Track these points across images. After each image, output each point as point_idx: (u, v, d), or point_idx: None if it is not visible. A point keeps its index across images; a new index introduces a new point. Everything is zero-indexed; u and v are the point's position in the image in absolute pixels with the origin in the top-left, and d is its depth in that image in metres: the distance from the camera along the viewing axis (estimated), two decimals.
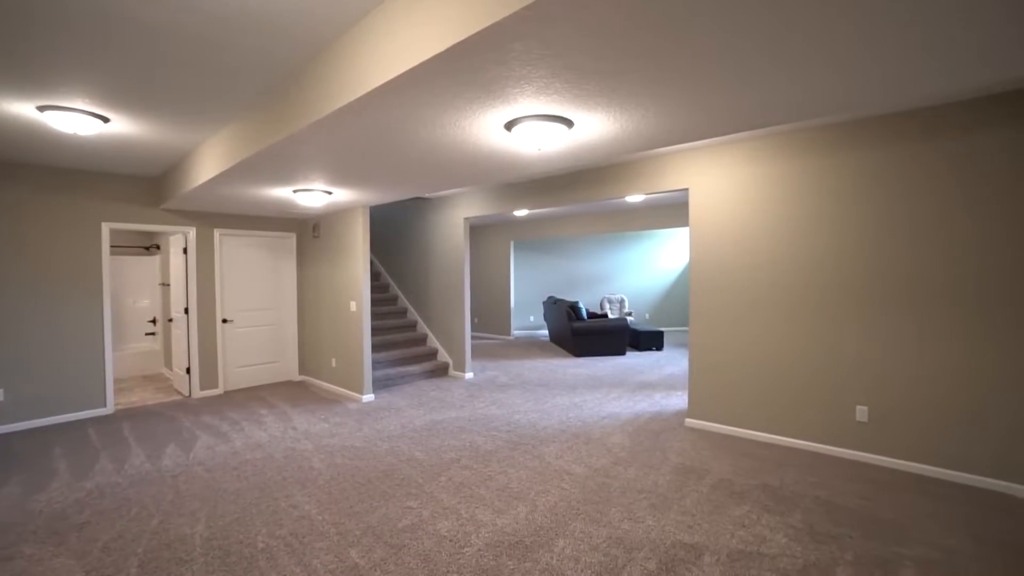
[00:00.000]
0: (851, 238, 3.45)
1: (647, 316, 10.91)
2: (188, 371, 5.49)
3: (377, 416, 4.68)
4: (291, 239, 6.37)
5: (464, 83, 1.96)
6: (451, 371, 6.54)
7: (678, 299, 10.93)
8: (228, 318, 5.78)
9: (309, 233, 6.21)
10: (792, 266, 3.71)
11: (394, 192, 4.51)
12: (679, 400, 5.10)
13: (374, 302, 7.15)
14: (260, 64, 2.46)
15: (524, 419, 4.51)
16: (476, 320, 10.70)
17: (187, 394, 5.54)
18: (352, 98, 2.09)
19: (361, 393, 5.29)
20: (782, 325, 3.75)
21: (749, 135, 3.79)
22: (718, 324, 4.09)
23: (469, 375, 6.36)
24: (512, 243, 10.01)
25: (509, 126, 2.46)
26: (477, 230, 10.67)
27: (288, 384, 6.13)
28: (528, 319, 10.79)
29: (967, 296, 3.05)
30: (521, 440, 3.95)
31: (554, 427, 4.27)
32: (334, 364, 5.75)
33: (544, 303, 9.42)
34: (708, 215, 4.13)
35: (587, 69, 1.85)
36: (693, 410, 4.25)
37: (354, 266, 5.38)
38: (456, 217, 6.42)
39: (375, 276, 7.78)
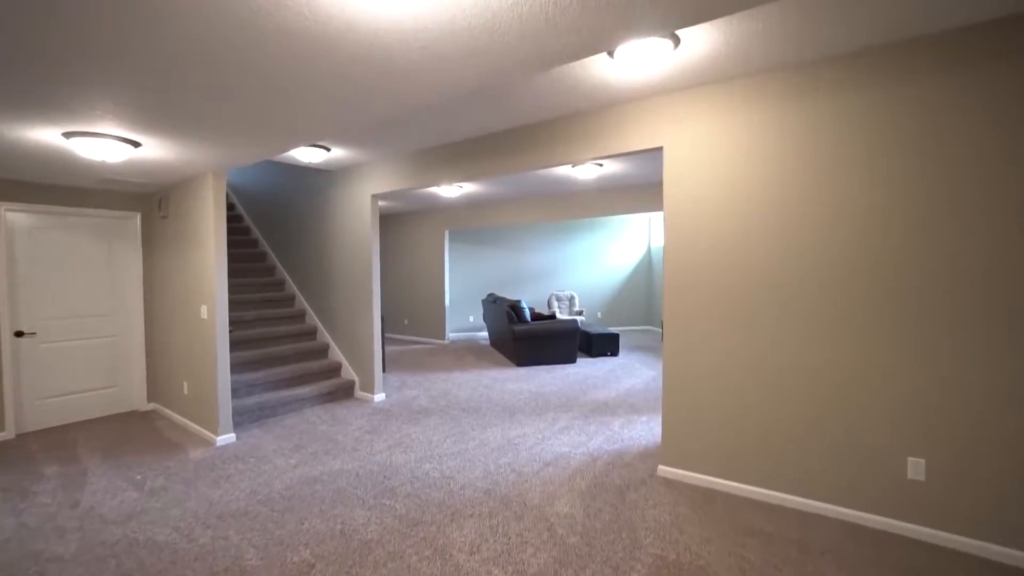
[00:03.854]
0: (894, 215, 2.36)
1: (599, 315, 9.86)
2: None
3: (223, 472, 3.22)
4: (134, 220, 4.72)
5: None
6: (357, 392, 5.13)
7: (634, 295, 9.94)
8: (26, 330, 4.09)
9: (157, 212, 4.60)
10: (808, 253, 2.59)
11: (236, 143, 3.04)
12: (645, 431, 3.95)
13: (265, 303, 5.59)
14: None
15: (436, 472, 3.20)
16: (406, 322, 9.26)
17: None
18: None
19: (215, 432, 3.79)
20: (794, 337, 2.64)
21: (743, 71, 2.64)
22: (703, 334, 2.94)
23: (379, 397, 4.97)
24: (447, 232, 8.64)
25: None
26: (405, 217, 9.22)
27: (129, 417, 4.51)
28: (467, 319, 9.48)
29: None
30: (422, 515, 2.64)
31: (476, 486, 2.99)
32: (186, 390, 4.21)
33: (484, 301, 8.13)
34: (689, 183, 2.96)
35: None
36: (668, 453, 3.09)
37: (203, 257, 3.86)
38: (360, 194, 4.99)
39: (269, 270, 6.20)
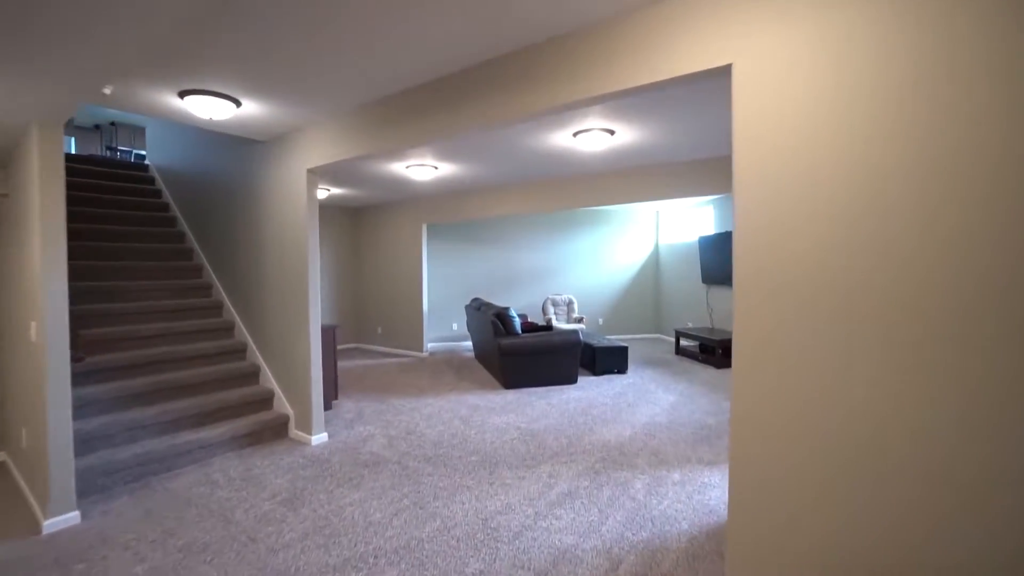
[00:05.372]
0: None
1: (600, 322, 8.65)
2: None
3: None
4: None
5: None
6: (292, 430, 3.88)
7: (640, 299, 8.74)
8: None
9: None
10: (996, 228, 1.39)
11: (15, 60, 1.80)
12: (682, 499, 2.73)
13: (177, 312, 4.33)
14: None
15: None
16: (379, 331, 8.02)
17: None
18: None
19: (44, 512, 2.53)
20: (995, 369, 1.43)
21: None
22: (800, 361, 1.73)
23: (318, 438, 3.73)
24: (425, 227, 7.41)
25: None
26: (376, 209, 7.98)
27: None
28: (450, 327, 8.23)
29: None
30: None
31: None
32: (24, 441, 2.96)
33: (467, 308, 6.91)
34: (774, 122, 1.75)
35: None
36: (739, 567, 1.88)
37: (29, 252, 2.62)
38: (294, 168, 3.76)
39: (195, 271, 4.93)
